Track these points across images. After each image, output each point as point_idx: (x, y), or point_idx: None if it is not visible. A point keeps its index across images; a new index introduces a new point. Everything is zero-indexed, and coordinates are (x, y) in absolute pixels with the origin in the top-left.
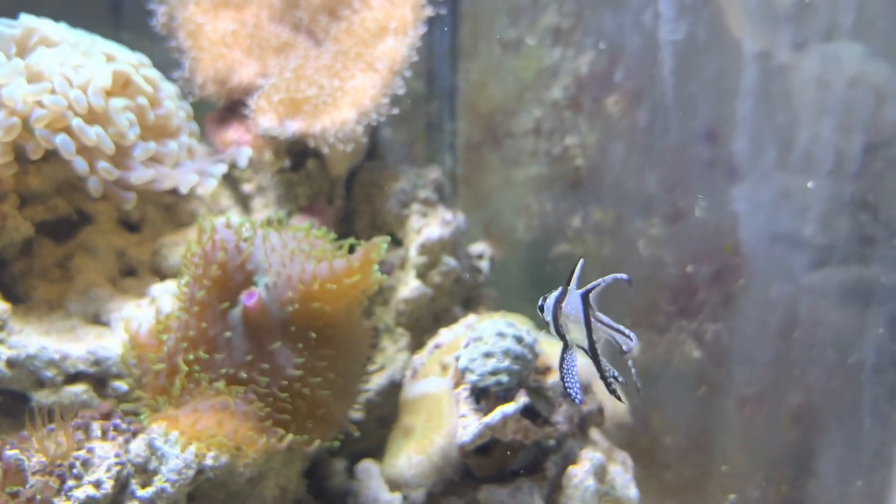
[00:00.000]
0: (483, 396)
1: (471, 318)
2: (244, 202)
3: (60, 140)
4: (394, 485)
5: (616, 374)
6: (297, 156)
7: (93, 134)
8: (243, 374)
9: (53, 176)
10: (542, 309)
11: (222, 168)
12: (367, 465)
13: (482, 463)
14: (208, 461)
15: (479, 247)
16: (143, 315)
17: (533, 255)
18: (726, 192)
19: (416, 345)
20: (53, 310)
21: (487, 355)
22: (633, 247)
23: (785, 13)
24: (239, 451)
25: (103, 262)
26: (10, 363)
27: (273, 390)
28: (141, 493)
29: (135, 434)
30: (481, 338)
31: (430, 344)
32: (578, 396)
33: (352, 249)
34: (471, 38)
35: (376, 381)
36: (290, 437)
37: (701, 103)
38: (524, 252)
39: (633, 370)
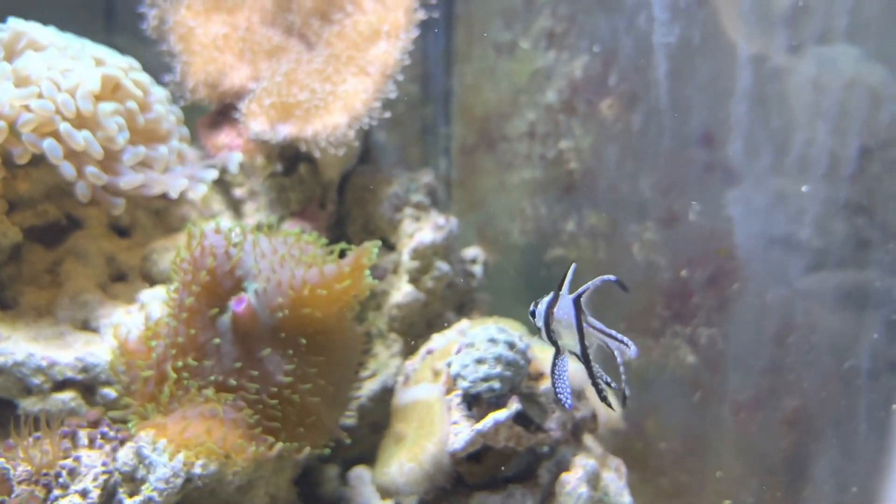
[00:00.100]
0: (475, 403)
1: (463, 323)
2: (236, 207)
3: (48, 144)
4: (385, 492)
5: (609, 379)
6: (289, 160)
7: (81, 138)
8: (232, 381)
9: (43, 181)
10: (533, 314)
11: (213, 174)
12: (360, 472)
13: (474, 470)
14: (197, 469)
15: (472, 251)
16: (133, 321)
17: (527, 259)
18: (721, 196)
19: (409, 350)
20: (42, 316)
21: (479, 361)
22: (627, 251)
23: (780, 16)
24: (228, 459)
25: (93, 268)
26: None
27: (263, 397)
28: (128, 502)
29: (122, 442)
30: (473, 344)
31: (423, 349)
32: (569, 402)
33: (343, 254)
34: (465, 42)
35: (369, 387)
36: (280, 444)
37: (695, 107)
38: (518, 256)
39: (623, 376)
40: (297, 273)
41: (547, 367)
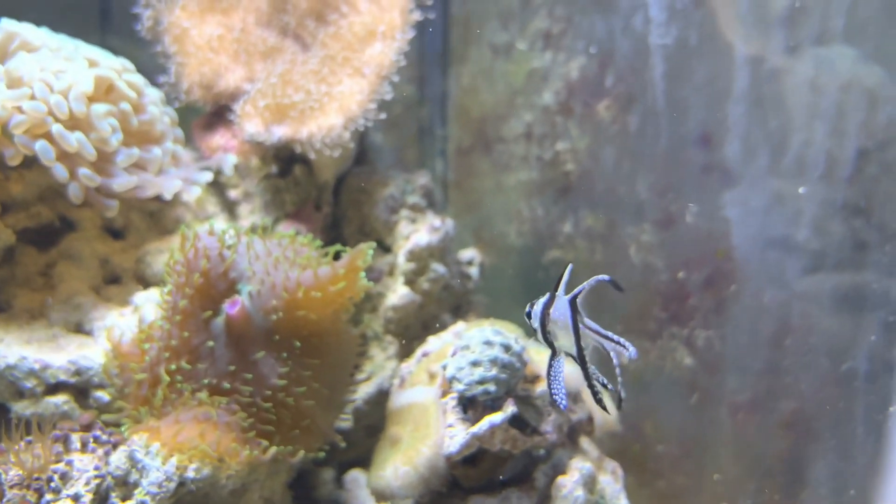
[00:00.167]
0: (470, 406)
1: (459, 325)
2: (231, 208)
3: (40, 146)
4: (380, 496)
5: (605, 381)
6: (284, 161)
7: (73, 140)
8: (226, 385)
9: (36, 183)
10: (529, 315)
11: (207, 176)
12: (356, 475)
13: (470, 473)
14: (190, 473)
15: (468, 253)
16: (126, 324)
17: (524, 260)
18: (718, 198)
19: (405, 352)
20: (35, 319)
21: (475, 364)
22: (624, 252)
23: (777, 17)
24: (222, 462)
25: (87, 270)
26: None
27: (257, 400)
28: None
29: (115, 446)
30: (468, 346)
31: (418, 352)
32: (564, 402)
33: (338, 256)
34: (461, 43)
35: (365, 390)
36: (274, 448)
37: (692, 108)
38: (515, 258)
39: (619, 378)
40: (291, 275)
41: (543, 370)
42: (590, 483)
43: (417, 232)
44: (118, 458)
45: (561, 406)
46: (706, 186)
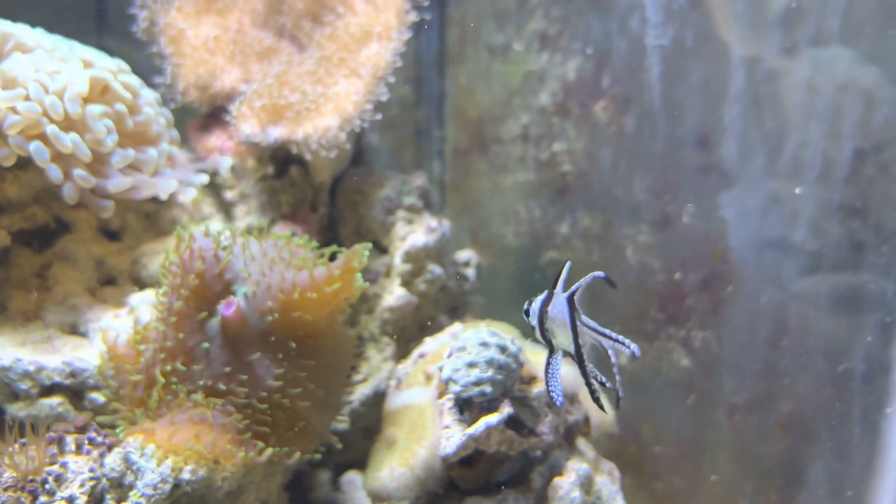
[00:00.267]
0: (467, 407)
1: (456, 326)
2: (227, 209)
3: (34, 147)
4: (376, 497)
5: (603, 379)
6: (280, 163)
7: (68, 141)
8: (221, 386)
9: (31, 184)
10: (527, 313)
11: (203, 177)
12: (352, 477)
13: (466, 475)
14: (185, 475)
15: (465, 254)
16: (122, 325)
17: (521, 261)
18: (715, 198)
19: (402, 354)
20: (30, 320)
21: (471, 365)
22: (621, 253)
23: (773, 18)
24: (217, 464)
25: (82, 272)
26: None
27: (252, 402)
28: None
29: (110, 448)
30: (465, 347)
31: (415, 353)
32: (560, 400)
33: (334, 257)
34: (458, 44)
35: (361, 391)
36: (269, 450)
37: (689, 109)
38: (512, 259)
39: (618, 377)
40: (287, 276)
41: (539, 371)
42: (586, 484)
43: (414, 233)
44: (113, 460)
45: (557, 402)
46: (703, 187)
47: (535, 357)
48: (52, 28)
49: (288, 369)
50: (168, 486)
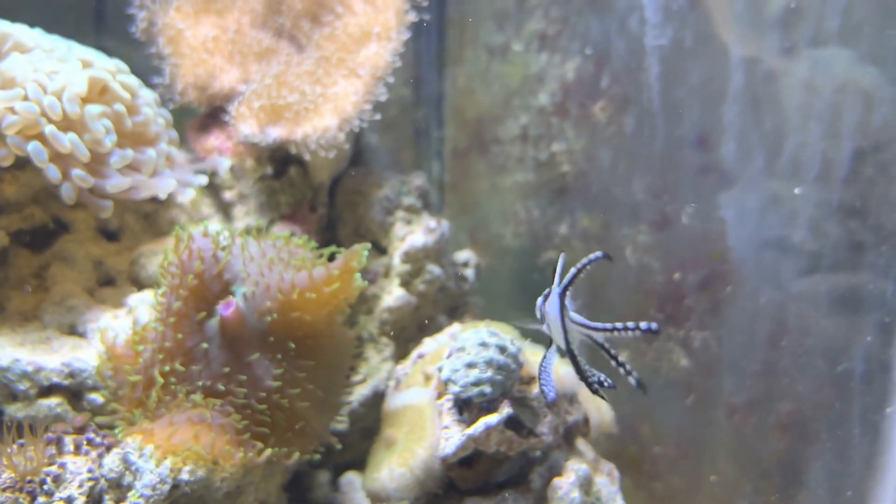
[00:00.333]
0: (466, 407)
1: (455, 327)
2: (225, 210)
3: (32, 147)
4: (376, 498)
5: (602, 378)
6: (279, 163)
7: (67, 141)
8: (220, 386)
9: (30, 184)
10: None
11: (202, 178)
12: (351, 478)
13: (466, 475)
14: (184, 475)
15: (464, 254)
16: (120, 326)
17: (520, 262)
18: (714, 199)
19: (401, 354)
20: (28, 321)
21: (470, 366)
22: (620, 254)
23: (772, 18)
24: (216, 464)
25: (80, 272)
26: None
27: (251, 402)
28: None
29: (109, 448)
30: (464, 348)
31: (414, 354)
32: (552, 394)
33: (333, 258)
34: (457, 44)
35: (360, 392)
36: (268, 450)
37: (688, 109)
38: (511, 259)
39: (627, 366)
40: (285, 276)
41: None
42: (586, 485)
43: (413, 233)
44: (112, 461)
45: (548, 397)
46: (702, 187)
47: (534, 357)
48: (50, 28)
49: (287, 370)
50: (167, 487)
